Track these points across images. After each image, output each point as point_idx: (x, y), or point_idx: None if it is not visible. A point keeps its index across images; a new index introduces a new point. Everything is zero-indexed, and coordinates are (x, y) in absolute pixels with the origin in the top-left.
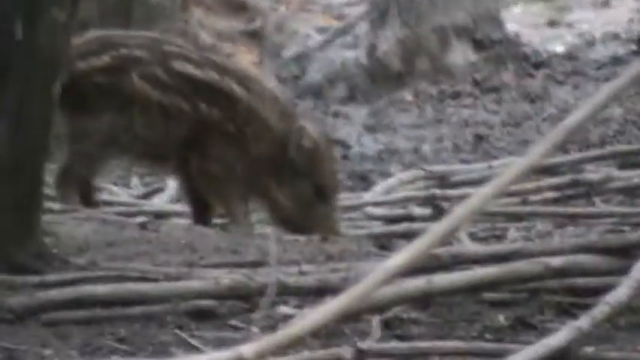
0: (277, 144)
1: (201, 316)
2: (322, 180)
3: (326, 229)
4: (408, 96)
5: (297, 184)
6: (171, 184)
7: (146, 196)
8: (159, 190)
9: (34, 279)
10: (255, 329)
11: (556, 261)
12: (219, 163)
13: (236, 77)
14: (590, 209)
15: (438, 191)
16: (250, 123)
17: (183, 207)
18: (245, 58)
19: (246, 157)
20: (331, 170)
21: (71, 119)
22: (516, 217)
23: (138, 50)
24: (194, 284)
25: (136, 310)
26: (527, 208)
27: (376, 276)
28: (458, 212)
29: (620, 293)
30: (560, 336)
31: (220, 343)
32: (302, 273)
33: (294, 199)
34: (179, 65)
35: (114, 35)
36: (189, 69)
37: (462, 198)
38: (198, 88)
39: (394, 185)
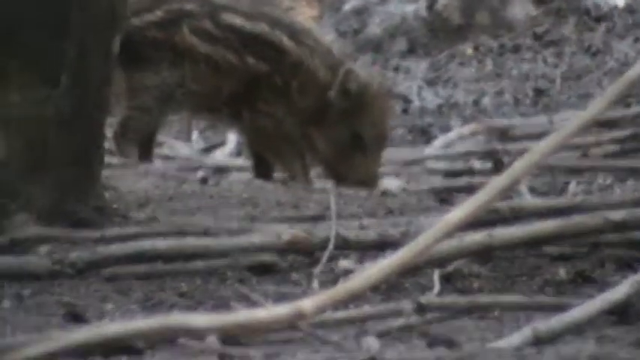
0: (324, 96)
1: (262, 270)
2: (363, 129)
3: (361, 180)
4: (468, 49)
5: (335, 128)
6: (232, 138)
7: (206, 150)
8: (219, 145)
9: (95, 233)
10: (315, 284)
11: (616, 214)
12: (268, 116)
13: (287, 30)
14: None
15: (498, 145)
16: (297, 76)
17: (243, 161)
18: (305, 12)
19: (294, 109)
20: (377, 121)
21: (128, 74)
22: (577, 171)
23: (189, 4)
24: (255, 239)
25: (197, 264)
26: (588, 162)
27: (436, 230)
28: (518, 166)
29: None
30: (620, 290)
31: (281, 298)
32: (362, 227)
33: (331, 144)
34: (229, 18)
35: None
36: (239, 21)
37: (522, 152)
38: (247, 40)
39: (454, 139)
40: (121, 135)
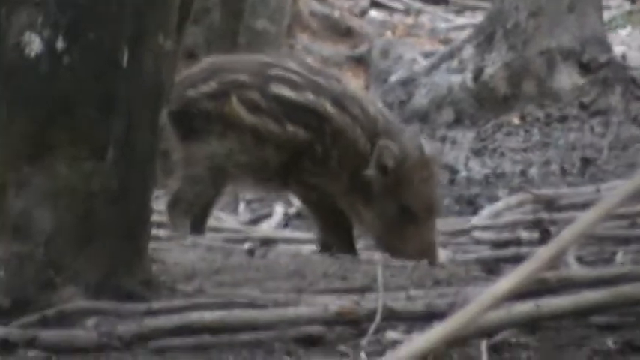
0: (364, 168)
1: (310, 342)
2: (409, 200)
3: (418, 251)
4: (514, 119)
5: (383, 202)
6: (279, 210)
7: (253, 222)
8: (266, 216)
9: (142, 306)
10: (363, 355)
11: None
12: (312, 187)
13: (332, 97)
14: None
15: (545, 215)
16: (338, 144)
17: (290, 233)
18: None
19: (335, 180)
20: (423, 191)
21: (183, 146)
22: (624, 240)
23: (242, 74)
24: (302, 310)
25: (244, 336)
26: (635, 231)
27: (483, 300)
28: (565, 235)
29: None
30: None
31: None
32: (410, 298)
33: (380, 219)
34: (276, 88)
35: (225, 60)
36: (285, 91)
37: (569, 221)
38: (290, 109)
39: (501, 209)
40: (173, 206)
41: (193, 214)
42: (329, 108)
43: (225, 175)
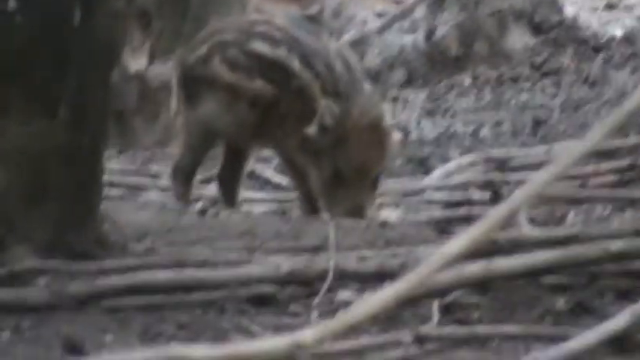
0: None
1: (261, 302)
2: (342, 162)
3: (347, 214)
4: (466, 80)
5: (321, 162)
6: None
7: (205, 181)
8: None
9: (94, 265)
10: (314, 315)
11: (615, 244)
12: (277, 140)
13: (301, 53)
14: None
15: (497, 175)
16: (298, 99)
17: (242, 192)
18: None
19: (292, 133)
20: (358, 154)
21: (184, 112)
22: (575, 201)
23: (229, 34)
24: (254, 270)
25: (196, 296)
26: (586, 192)
27: (435, 260)
28: (517, 196)
29: None
30: (619, 320)
31: (280, 329)
32: (361, 258)
33: (320, 178)
34: (255, 44)
35: (223, 23)
36: (262, 47)
37: (521, 182)
38: (264, 65)
39: (453, 169)
40: (175, 175)
41: (191, 181)
42: (296, 64)
43: (216, 136)
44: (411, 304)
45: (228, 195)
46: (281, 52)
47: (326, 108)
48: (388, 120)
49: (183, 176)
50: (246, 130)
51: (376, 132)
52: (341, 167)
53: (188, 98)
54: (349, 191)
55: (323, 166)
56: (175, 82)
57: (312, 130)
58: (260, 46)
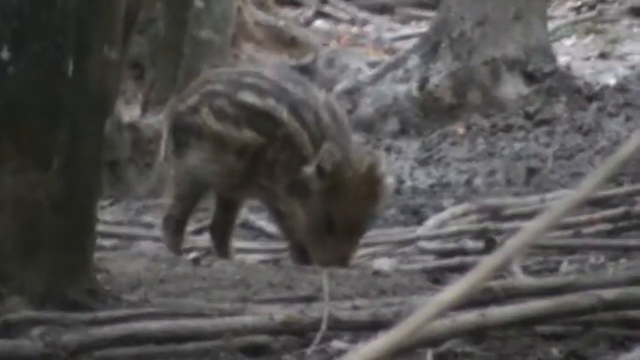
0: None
1: (255, 351)
2: (335, 211)
3: (334, 262)
4: (460, 129)
5: (312, 205)
6: None
7: (198, 231)
8: None
9: (87, 316)
10: None
11: (609, 293)
12: (264, 189)
13: (290, 103)
14: None
15: (490, 224)
16: (285, 147)
17: (236, 242)
18: None
19: (279, 180)
20: (351, 206)
21: (174, 162)
22: (569, 250)
23: (218, 84)
24: (248, 320)
25: (190, 346)
26: (580, 241)
27: (429, 310)
28: (510, 245)
29: None
30: None
31: None
32: (355, 307)
33: (307, 221)
34: (243, 95)
35: (214, 73)
36: (250, 98)
37: (514, 231)
38: (251, 115)
39: (447, 219)
40: (166, 226)
41: (182, 231)
42: (284, 114)
43: (204, 186)
44: (405, 353)
45: (221, 245)
46: (269, 102)
47: (326, 152)
48: (384, 167)
49: (174, 226)
50: (233, 179)
51: (372, 180)
52: (333, 214)
53: (177, 147)
54: (338, 239)
55: (312, 211)
56: (165, 131)
57: (309, 170)
58: (248, 97)
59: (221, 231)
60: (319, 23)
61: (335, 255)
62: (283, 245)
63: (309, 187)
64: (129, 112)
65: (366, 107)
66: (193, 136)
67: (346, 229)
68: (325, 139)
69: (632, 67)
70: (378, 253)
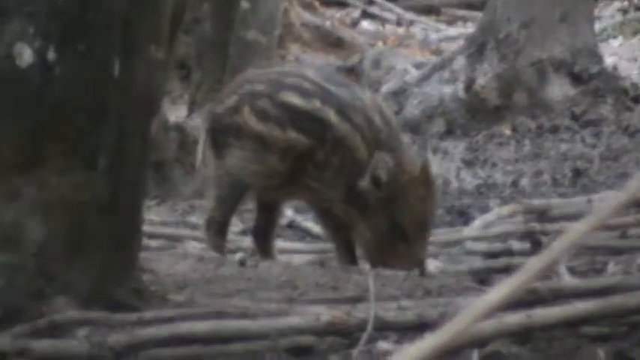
0: (363, 174)
1: (301, 352)
2: (401, 217)
3: (406, 268)
4: (506, 130)
5: (374, 216)
6: None
7: (244, 232)
8: None
9: (133, 316)
10: None
11: None
12: (315, 193)
13: (337, 106)
14: None
15: (536, 225)
16: (337, 151)
17: (282, 243)
18: None
19: (333, 184)
20: (415, 208)
21: (214, 164)
22: (615, 251)
23: (259, 84)
24: (294, 320)
25: (236, 347)
26: (627, 242)
27: (475, 311)
28: (557, 246)
29: None
30: None
31: None
32: (401, 308)
33: (371, 232)
34: (286, 96)
35: (252, 73)
36: (294, 99)
37: (560, 232)
38: (295, 116)
39: (493, 220)
40: (208, 228)
41: (225, 233)
42: (332, 116)
43: (245, 186)
44: (451, 354)
45: (263, 247)
46: (315, 104)
47: (379, 161)
48: (434, 168)
49: (216, 228)
50: (275, 180)
51: (427, 180)
52: (400, 221)
53: (217, 149)
54: (409, 245)
55: (377, 222)
56: (203, 134)
57: (364, 184)
58: (291, 98)
59: (263, 233)
60: (365, 24)
61: (411, 260)
62: (329, 246)
63: (369, 199)
64: (175, 113)
65: (412, 108)
66: (233, 136)
67: (415, 233)
68: (379, 141)
69: None
70: None
